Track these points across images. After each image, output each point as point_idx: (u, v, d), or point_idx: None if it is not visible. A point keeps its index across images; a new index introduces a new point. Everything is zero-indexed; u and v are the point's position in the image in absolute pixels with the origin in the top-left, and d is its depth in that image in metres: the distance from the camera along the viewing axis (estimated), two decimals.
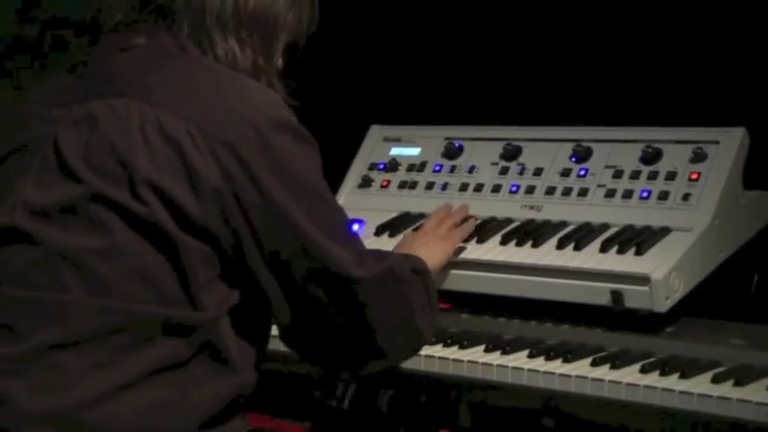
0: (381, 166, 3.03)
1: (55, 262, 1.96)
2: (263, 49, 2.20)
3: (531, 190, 2.81)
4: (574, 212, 2.72)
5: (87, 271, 1.94)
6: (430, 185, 2.94)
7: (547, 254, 2.61)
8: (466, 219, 2.78)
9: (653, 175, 2.67)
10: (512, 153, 2.87)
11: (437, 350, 2.49)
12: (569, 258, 2.57)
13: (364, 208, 2.89)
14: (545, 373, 2.38)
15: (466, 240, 2.71)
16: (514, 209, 2.79)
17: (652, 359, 2.38)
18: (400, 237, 2.80)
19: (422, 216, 2.85)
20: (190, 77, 2.07)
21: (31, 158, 2.05)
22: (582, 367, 2.38)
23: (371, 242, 2.71)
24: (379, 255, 2.24)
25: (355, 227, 2.81)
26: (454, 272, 2.66)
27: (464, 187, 2.89)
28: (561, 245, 2.61)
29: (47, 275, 1.96)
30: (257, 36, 2.19)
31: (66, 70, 2.21)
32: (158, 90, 2.03)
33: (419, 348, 2.34)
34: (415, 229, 2.79)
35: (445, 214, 2.75)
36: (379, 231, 2.84)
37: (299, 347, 2.20)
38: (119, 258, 1.95)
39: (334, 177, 2.69)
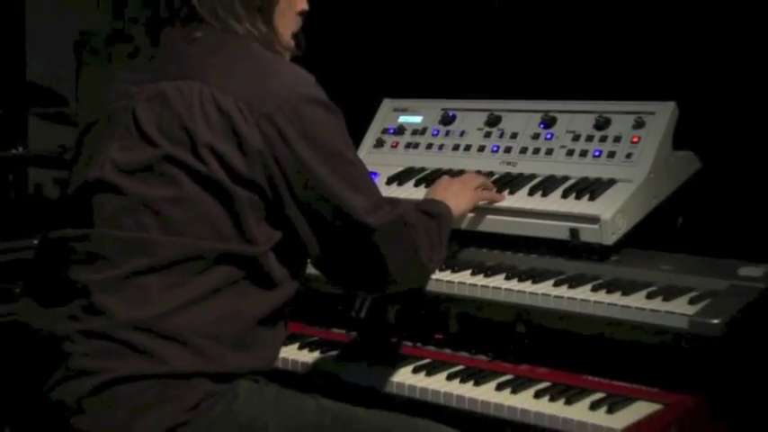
0: (391, 131, 3.04)
1: (137, 208, 1.99)
2: (264, 16, 2.16)
3: (508, 150, 2.83)
4: (542, 167, 2.74)
5: (162, 215, 1.98)
6: (429, 146, 2.95)
7: (520, 199, 2.64)
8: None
9: (603, 139, 2.69)
10: (493, 121, 2.89)
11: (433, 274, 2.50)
12: (538, 203, 2.60)
13: (378, 164, 2.89)
14: (518, 291, 2.45)
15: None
16: (495, 164, 2.80)
17: (600, 281, 2.43)
18: (407, 185, 2.81)
19: (423, 170, 2.86)
20: (238, 62, 2.08)
21: (116, 126, 2.07)
22: (546, 287, 2.44)
23: (383, 190, 2.66)
24: (393, 203, 2.22)
25: None
26: None
27: (456, 147, 2.91)
28: (531, 192, 2.64)
29: (131, 219, 1.99)
30: (259, 4, 2.15)
31: (141, 55, 2.24)
32: (214, 73, 2.04)
33: (426, 277, 2.37)
34: (427, 178, 2.80)
35: (483, 178, 2.69)
36: (390, 182, 2.85)
37: (327, 274, 2.22)
38: (186, 205, 1.98)
39: (354, 140, 2.75)
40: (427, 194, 2.58)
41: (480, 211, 2.65)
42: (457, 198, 2.53)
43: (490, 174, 2.76)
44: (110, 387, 1.91)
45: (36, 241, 2.26)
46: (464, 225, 2.65)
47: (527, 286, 2.46)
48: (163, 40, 2.18)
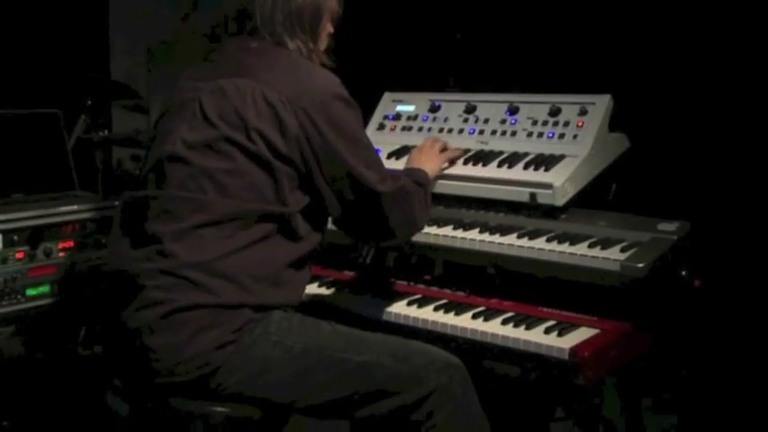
0: (391, 117, 3.00)
1: (199, 176, 2.00)
2: (312, 36, 2.16)
3: (482, 132, 2.78)
4: (508, 145, 2.70)
5: (218, 182, 1.99)
6: (420, 129, 2.91)
7: (491, 170, 2.61)
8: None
9: (555, 123, 2.66)
10: (470, 109, 2.85)
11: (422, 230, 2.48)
12: (505, 173, 2.57)
13: (380, 142, 2.87)
14: (489, 242, 2.44)
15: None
16: (472, 143, 2.77)
17: (552, 234, 2.41)
18: (404, 159, 2.74)
19: (415, 147, 2.77)
20: (282, 65, 2.08)
21: (186, 112, 2.07)
22: (511, 239, 2.43)
23: (385, 162, 2.57)
24: (396, 175, 2.23)
25: None
26: (438, 181, 2.63)
27: (441, 130, 2.86)
28: (500, 165, 2.61)
29: (195, 183, 2.00)
30: (308, 28, 2.15)
31: (203, 59, 2.21)
32: (263, 73, 2.05)
33: (416, 232, 2.34)
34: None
35: (433, 140, 2.66)
36: (390, 156, 2.81)
37: (343, 229, 2.21)
38: (238, 175, 1.99)
39: (363, 124, 2.74)
40: (408, 163, 2.56)
41: (460, 179, 2.63)
42: (431, 163, 2.53)
43: (467, 150, 2.73)
44: (175, 313, 1.93)
45: (117, 202, 2.26)
46: (448, 191, 2.63)
47: (496, 238, 2.45)
48: (222, 48, 2.18)
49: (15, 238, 2.93)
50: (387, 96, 3.10)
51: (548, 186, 2.47)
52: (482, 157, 2.67)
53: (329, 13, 2.22)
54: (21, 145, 3.24)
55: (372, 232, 2.24)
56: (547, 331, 2.23)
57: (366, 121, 2.92)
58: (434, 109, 2.95)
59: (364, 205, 2.12)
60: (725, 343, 2.55)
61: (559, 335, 2.21)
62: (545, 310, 2.37)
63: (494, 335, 2.26)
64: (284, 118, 2.00)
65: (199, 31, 4.10)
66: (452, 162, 2.67)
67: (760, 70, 2.68)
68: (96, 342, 3.11)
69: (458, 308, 2.42)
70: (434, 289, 2.59)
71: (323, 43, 2.24)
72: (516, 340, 2.22)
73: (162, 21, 4.50)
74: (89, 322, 3.11)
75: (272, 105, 2.00)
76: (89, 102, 3.59)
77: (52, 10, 4.11)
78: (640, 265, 2.18)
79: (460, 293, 2.53)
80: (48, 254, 3.00)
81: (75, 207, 3.10)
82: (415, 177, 2.32)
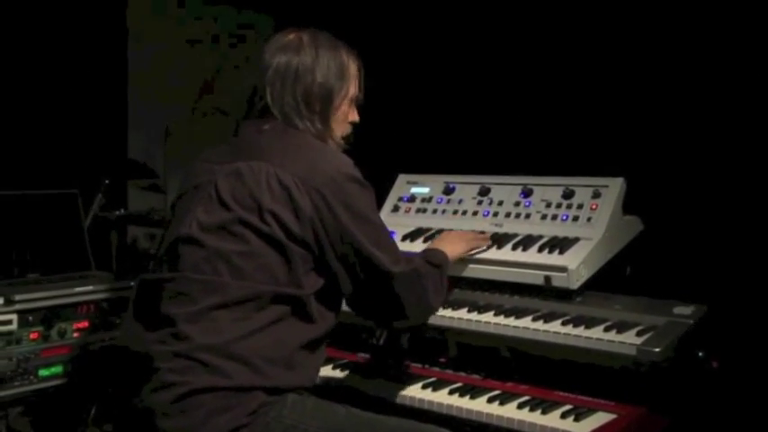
0: (405, 199, 3.02)
1: (214, 258, 2.01)
2: (321, 117, 2.19)
3: (496, 214, 2.81)
4: (522, 228, 2.72)
5: (233, 264, 2.00)
6: (434, 211, 2.93)
7: (506, 253, 2.61)
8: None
9: (569, 206, 2.68)
10: (485, 191, 2.88)
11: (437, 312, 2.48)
12: (519, 255, 2.58)
13: (395, 224, 2.89)
14: (504, 325, 2.44)
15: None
16: (486, 225, 2.78)
17: (567, 317, 2.42)
18: (418, 241, 2.77)
19: (430, 229, 2.83)
20: (295, 147, 2.11)
21: (202, 195, 2.10)
22: (526, 321, 2.43)
23: (399, 245, 2.56)
24: (409, 257, 2.23)
25: None
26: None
27: (455, 212, 2.89)
28: (514, 247, 2.62)
29: (209, 265, 2.01)
30: (318, 110, 2.18)
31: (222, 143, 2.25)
32: (277, 155, 2.08)
33: (430, 315, 2.36)
34: (433, 236, 2.75)
35: (476, 234, 2.67)
36: (404, 239, 2.83)
37: (356, 310, 2.21)
38: (252, 257, 2.00)
39: (377, 206, 2.76)
40: (431, 243, 2.57)
41: (475, 262, 2.63)
42: (453, 246, 2.52)
43: (482, 233, 2.73)
44: (189, 396, 1.92)
45: (132, 282, 2.28)
46: (462, 273, 2.63)
47: (511, 321, 2.45)
48: (240, 131, 2.21)
49: (30, 318, 2.95)
50: (401, 178, 3.11)
51: (562, 269, 2.47)
52: (496, 240, 2.68)
53: (346, 98, 2.25)
54: (38, 225, 3.28)
55: (385, 314, 2.23)
56: (563, 416, 2.22)
57: (380, 203, 2.93)
58: (449, 191, 2.96)
59: (376, 286, 2.12)
60: (744, 424, 2.51)
61: (576, 420, 2.20)
62: (561, 393, 2.36)
63: (509, 419, 2.24)
64: (298, 199, 2.02)
65: (225, 113, 4.17)
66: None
67: None
68: (106, 422, 3.09)
69: (473, 391, 2.40)
70: (449, 372, 2.58)
71: (339, 126, 2.26)
72: (533, 425, 2.20)
73: (179, 100, 4.57)
74: (100, 402, 3.10)
75: (286, 187, 2.03)
76: (106, 181, 3.63)
77: (71, 88, 4.17)
78: (657, 349, 2.18)
79: (476, 376, 2.52)
80: (62, 334, 3.01)
81: (90, 288, 3.12)
82: (431, 258, 2.32)
